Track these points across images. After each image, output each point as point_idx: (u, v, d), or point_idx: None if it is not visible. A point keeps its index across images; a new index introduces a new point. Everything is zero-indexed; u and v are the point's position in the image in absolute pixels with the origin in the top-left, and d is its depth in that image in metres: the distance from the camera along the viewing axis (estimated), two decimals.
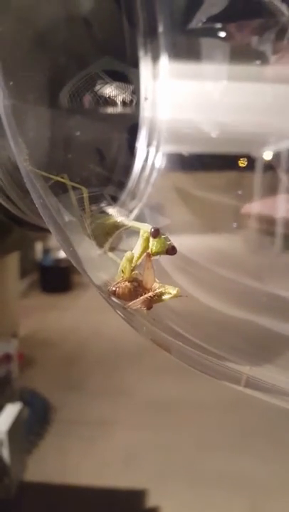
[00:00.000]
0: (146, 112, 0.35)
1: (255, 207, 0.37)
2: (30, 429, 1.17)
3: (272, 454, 1.12)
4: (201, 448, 1.16)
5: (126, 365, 1.58)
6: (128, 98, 0.32)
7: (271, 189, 0.37)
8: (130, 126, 0.35)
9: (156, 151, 0.37)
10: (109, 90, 0.30)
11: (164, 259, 0.27)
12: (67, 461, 1.10)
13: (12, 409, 0.96)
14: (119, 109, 0.32)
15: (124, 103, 0.32)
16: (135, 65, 0.34)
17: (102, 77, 0.29)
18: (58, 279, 2.57)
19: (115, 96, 0.31)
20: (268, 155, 0.37)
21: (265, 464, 1.09)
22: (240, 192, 0.37)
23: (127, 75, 0.32)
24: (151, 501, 0.99)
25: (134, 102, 0.33)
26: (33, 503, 0.99)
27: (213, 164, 0.39)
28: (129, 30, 0.32)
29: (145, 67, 0.35)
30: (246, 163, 0.37)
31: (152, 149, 0.37)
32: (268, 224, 0.36)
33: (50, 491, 1.02)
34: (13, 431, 0.91)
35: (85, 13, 0.28)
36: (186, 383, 1.29)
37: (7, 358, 1.29)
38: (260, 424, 1.21)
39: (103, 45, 0.30)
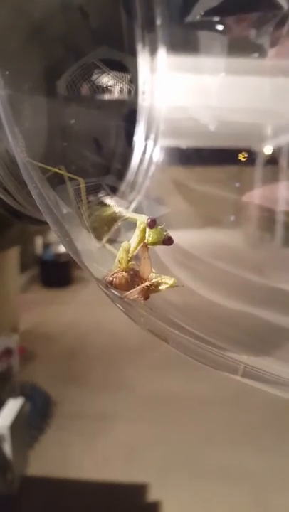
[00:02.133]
0: (144, 105, 0.35)
1: (257, 193, 0.37)
2: (32, 424, 1.18)
3: (275, 448, 1.13)
4: (203, 442, 1.17)
5: (126, 359, 1.58)
6: (126, 88, 0.32)
7: (269, 183, 0.37)
8: (128, 113, 0.35)
9: (154, 145, 0.37)
10: (106, 80, 0.30)
11: (165, 254, 0.27)
12: (69, 456, 1.11)
13: (14, 404, 0.96)
14: (115, 95, 0.32)
15: (121, 93, 0.32)
16: (132, 53, 0.33)
17: (99, 66, 0.29)
18: (59, 273, 2.56)
19: (113, 86, 0.31)
20: (266, 148, 0.37)
21: (267, 458, 1.09)
22: (237, 185, 0.37)
23: (124, 64, 0.32)
24: (152, 495, 0.99)
25: (132, 92, 0.33)
26: (35, 497, 0.99)
27: (211, 158, 0.39)
28: (127, 22, 0.32)
29: (143, 60, 0.35)
30: (245, 156, 0.37)
31: (150, 143, 0.37)
32: (268, 211, 0.36)
33: (52, 486, 1.03)
34: (15, 426, 0.91)
35: (80, 2, 0.28)
36: (188, 377, 1.29)
37: (8, 352, 1.30)
38: (262, 418, 1.21)
39: (100, 34, 0.30)
